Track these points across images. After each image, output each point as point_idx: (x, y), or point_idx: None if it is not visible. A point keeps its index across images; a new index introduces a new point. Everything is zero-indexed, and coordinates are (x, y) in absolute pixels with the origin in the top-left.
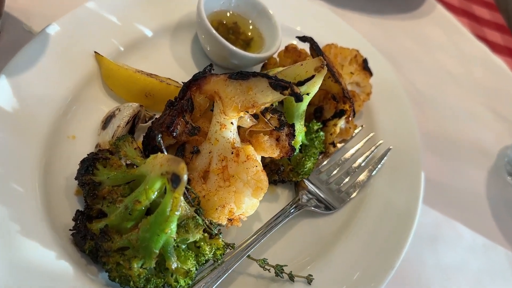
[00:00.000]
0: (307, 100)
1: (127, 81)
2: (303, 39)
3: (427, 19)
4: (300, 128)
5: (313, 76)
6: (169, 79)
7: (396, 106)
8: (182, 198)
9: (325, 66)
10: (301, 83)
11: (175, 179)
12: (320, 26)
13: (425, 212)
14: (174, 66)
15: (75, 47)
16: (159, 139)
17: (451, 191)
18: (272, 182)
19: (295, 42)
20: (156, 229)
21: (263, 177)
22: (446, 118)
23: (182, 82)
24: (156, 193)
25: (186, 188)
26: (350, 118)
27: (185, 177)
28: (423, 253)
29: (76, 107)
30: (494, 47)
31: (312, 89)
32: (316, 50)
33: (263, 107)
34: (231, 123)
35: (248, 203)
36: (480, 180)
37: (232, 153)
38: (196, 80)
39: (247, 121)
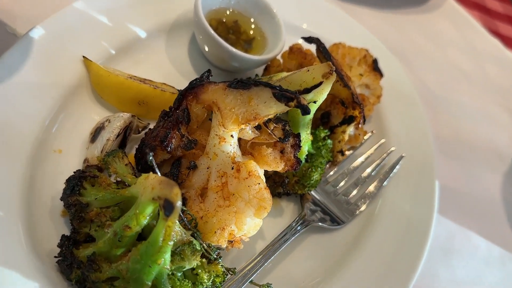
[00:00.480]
0: (314, 108)
1: (118, 89)
2: (309, 40)
3: (437, 12)
4: (306, 138)
5: (320, 83)
6: (165, 84)
7: (408, 109)
8: (177, 222)
9: (334, 72)
10: (307, 91)
11: (168, 206)
12: (326, 23)
13: (438, 221)
14: (170, 70)
15: (62, 52)
16: (150, 158)
17: (465, 198)
18: (276, 195)
19: (301, 41)
20: (148, 260)
21: (267, 195)
22: (458, 118)
23: (178, 90)
24: (147, 218)
25: (181, 209)
26: (360, 125)
27: (179, 204)
28: (436, 267)
29: (63, 117)
30: (507, 41)
31: (320, 96)
32: (323, 52)
33: (266, 118)
34: (231, 136)
35: (250, 223)
36: (496, 185)
37: (232, 168)
38: (193, 89)
39: (249, 133)
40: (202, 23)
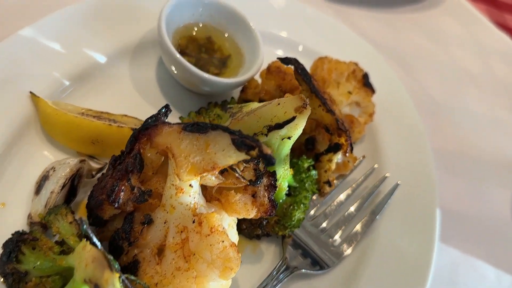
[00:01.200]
0: (289, 144)
1: (68, 128)
2: (286, 61)
3: (439, 9)
4: (284, 174)
5: (293, 118)
6: (126, 116)
7: (405, 127)
8: None
9: (307, 106)
10: (279, 126)
11: None
12: (310, 30)
13: (440, 250)
14: (135, 98)
15: (7, 87)
16: (84, 227)
17: (471, 220)
18: (255, 237)
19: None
20: None
21: (233, 254)
22: (463, 127)
23: (134, 129)
24: None
25: (130, 279)
26: (347, 154)
27: None
28: None
29: (8, 164)
30: None
31: (294, 132)
32: (301, 74)
33: (226, 166)
34: (190, 185)
35: (214, 287)
36: (506, 203)
37: (193, 221)
38: (146, 130)
39: (212, 180)
40: (165, 44)
